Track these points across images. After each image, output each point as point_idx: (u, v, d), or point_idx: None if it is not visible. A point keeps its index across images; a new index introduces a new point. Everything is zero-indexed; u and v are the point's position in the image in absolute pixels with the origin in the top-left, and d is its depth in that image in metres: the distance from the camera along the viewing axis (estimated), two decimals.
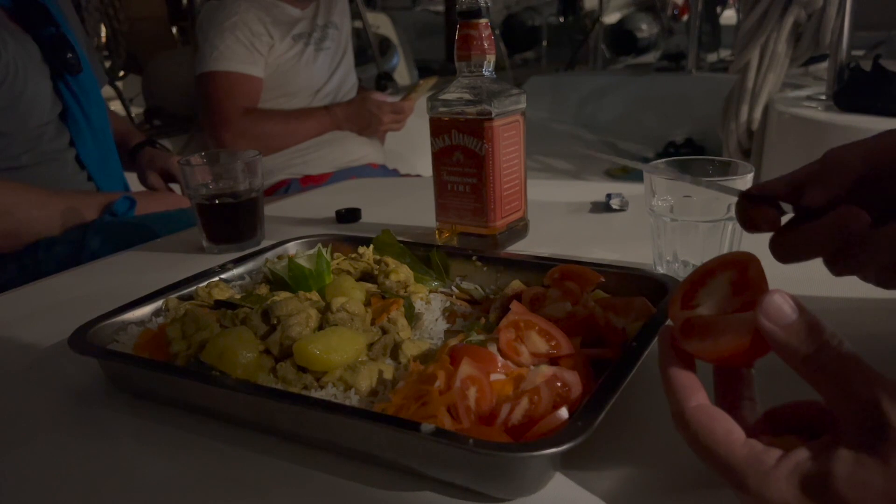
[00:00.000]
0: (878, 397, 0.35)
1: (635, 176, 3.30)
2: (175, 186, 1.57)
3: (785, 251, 0.49)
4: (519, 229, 0.97)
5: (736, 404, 0.43)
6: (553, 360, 0.57)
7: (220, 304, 0.70)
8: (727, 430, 0.39)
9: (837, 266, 0.49)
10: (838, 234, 0.46)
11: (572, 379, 0.52)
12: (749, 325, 0.40)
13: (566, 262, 0.73)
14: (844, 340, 0.38)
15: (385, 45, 4.55)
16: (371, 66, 3.83)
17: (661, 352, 0.45)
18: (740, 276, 0.44)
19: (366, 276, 0.77)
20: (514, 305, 0.63)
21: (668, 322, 0.48)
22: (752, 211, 0.49)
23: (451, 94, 0.90)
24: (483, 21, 0.88)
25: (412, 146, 2.32)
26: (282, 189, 2.00)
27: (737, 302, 0.44)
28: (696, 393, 0.42)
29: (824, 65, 2.66)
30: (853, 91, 2.20)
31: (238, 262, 0.82)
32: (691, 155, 0.78)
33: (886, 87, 2.09)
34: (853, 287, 0.76)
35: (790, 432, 0.42)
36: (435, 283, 0.78)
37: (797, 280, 0.79)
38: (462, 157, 0.90)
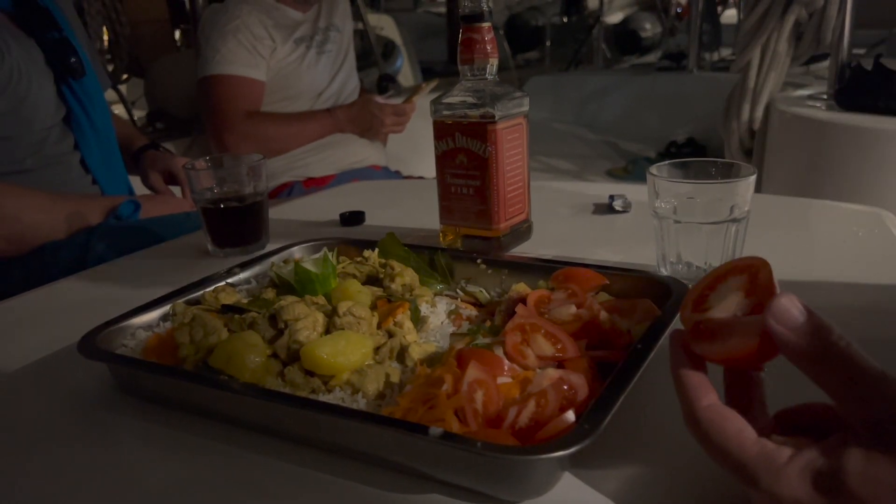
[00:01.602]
0: (887, 394, 0.36)
1: (637, 176, 3.31)
2: (176, 189, 1.57)
3: None
4: (522, 231, 0.98)
5: (746, 406, 0.44)
6: (559, 363, 0.58)
7: (227, 309, 0.70)
8: (739, 429, 0.39)
9: None
10: None
11: (578, 381, 0.52)
12: (758, 327, 0.40)
13: (570, 265, 0.73)
14: (852, 342, 0.38)
15: (389, 48, 4.56)
16: (375, 68, 3.83)
17: (673, 354, 0.45)
18: (751, 280, 0.45)
19: (371, 280, 0.77)
20: (520, 308, 0.63)
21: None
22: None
23: (454, 98, 0.90)
24: (486, 25, 0.88)
25: (414, 148, 2.33)
26: (285, 192, 2.01)
27: (747, 305, 0.44)
28: (707, 393, 0.42)
29: (825, 64, 2.66)
30: (855, 90, 2.20)
31: (244, 266, 0.82)
32: (693, 154, 0.79)
33: (888, 86, 2.09)
34: (861, 291, 0.77)
35: (800, 433, 0.42)
36: (440, 286, 0.78)
37: (806, 284, 0.79)
38: (465, 159, 0.90)
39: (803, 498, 0.36)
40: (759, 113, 2.62)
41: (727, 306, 0.45)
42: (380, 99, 2.09)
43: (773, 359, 0.42)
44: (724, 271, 0.47)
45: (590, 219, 1.10)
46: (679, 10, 6.20)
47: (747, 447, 0.38)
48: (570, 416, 0.49)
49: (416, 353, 0.62)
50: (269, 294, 0.75)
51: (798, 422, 0.44)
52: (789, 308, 0.39)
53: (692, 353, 0.44)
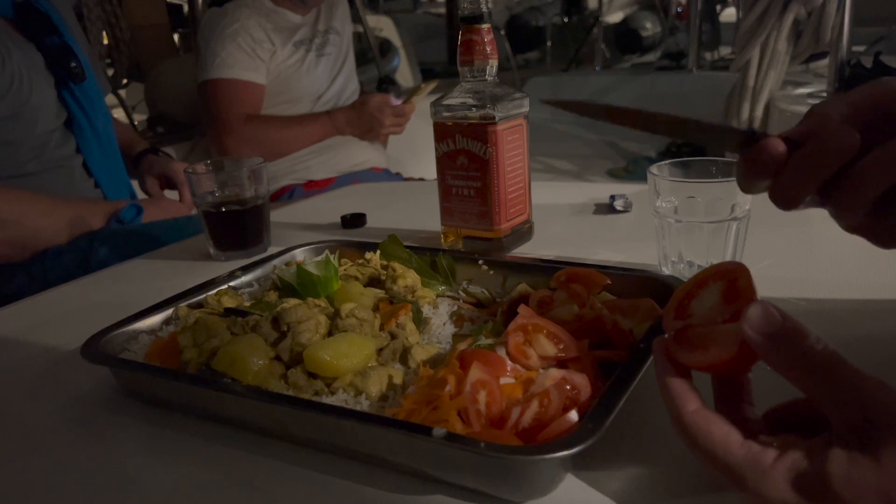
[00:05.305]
0: (864, 397, 0.36)
1: (638, 176, 3.31)
2: (174, 193, 1.57)
3: (780, 190, 0.47)
4: (524, 232, 0.98)
5: (734, 409, 0.44)
6: (561, 363, 0.58)
7: (230, 312, 0.70)
8: (725, 433, 0.40)
9: (828, 201, 0.47)
10: (820, 152, 0.45)
11: (581, 381, 0.52)
12: (736, 335, 0.41)
13: (572, 265, 0.73)
14: (828, 344, 0.38)
15: (385, 47, 4.56)
16: (371, 67, 3.84)
17: (657, 362, 0.46)
18: (730, 286, 0.45)
19: (373, 282, 0.78)
20: (522, 309, 0.63)
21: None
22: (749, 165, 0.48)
23: (454, 99, 0.90)
24: (485, 26, 0.88)
25: (415, 150, 2.33)
26: (286, 195, 2.01)
27: (727, 311, 0.45)
28: (692, 399, 0.43)
29: (825, 62, 2.66)
30: (854, 88, 2.19)
31: (246, 269, 0.83)
32: (693, 153, 0.79)
33: None
34: (861, 289, 0.76)
35: (790, 430, 0.42)
36: (442, 288, 0.78)
37: (807, 281, 0.79)
38: (466, 161, 0.91)
39: (789, 499, 0.37)
40: (759, 111, 2.62)
41: (708, 313, 0.45)
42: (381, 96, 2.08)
43: (755, 364, 0.42)
44: (704, 277, 0.47)
45: (591, 219, 1.10)
46: (679, 10, 6.19)
47: (733, 450, 0.39)
48: (573, 416, 0.49)
49: (418, 354, 0.62)
50: (272, 297, 0.75)
51: (787, 419, 0.44)
52: (764, 315, 0.40)
53: (676, 360, 0.45)
